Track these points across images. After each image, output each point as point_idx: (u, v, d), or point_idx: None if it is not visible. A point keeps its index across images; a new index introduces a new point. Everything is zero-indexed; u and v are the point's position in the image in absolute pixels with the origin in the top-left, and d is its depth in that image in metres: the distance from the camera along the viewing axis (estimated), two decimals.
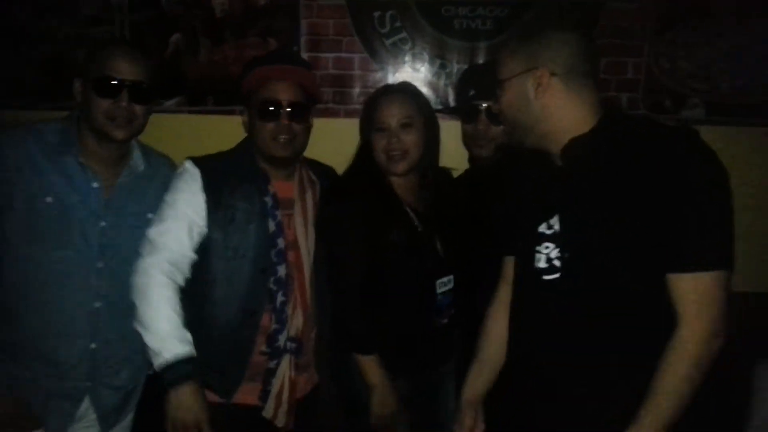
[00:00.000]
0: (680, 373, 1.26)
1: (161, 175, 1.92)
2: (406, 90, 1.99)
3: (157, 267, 1.72)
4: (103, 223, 1.77)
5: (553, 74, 1.39)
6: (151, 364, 1.95)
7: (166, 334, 1.68)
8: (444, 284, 1.92)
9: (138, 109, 1.75)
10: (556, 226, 1.45)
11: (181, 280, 1.76)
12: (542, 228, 1.48)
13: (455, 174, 2.13)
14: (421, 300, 1.90)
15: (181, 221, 1.76)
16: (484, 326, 1.70)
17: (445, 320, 1.94)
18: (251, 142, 1.90)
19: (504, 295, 1.66)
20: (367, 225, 1.81)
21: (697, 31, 2.69)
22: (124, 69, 1.72)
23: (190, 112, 2.81)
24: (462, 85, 2.13)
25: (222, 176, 1.81)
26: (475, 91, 1.99)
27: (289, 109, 1.83)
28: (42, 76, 2.80)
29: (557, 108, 1.41)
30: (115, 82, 1.71)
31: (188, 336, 1.70)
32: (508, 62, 1.46)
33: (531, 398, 1.51)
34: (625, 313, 1.34)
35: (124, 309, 1.78)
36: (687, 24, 2.69)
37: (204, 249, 1.79)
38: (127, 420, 1.97)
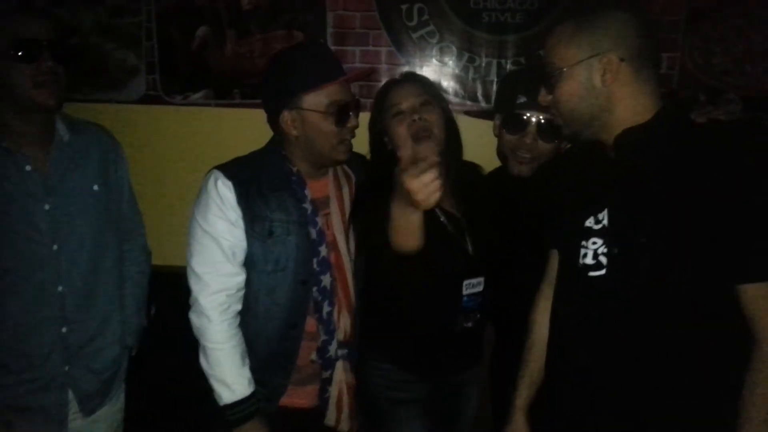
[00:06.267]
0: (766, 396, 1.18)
1: (95, 142, 1.85)
2: (418, 77, 1.94)
3: (211, 305, 1.67)
4: (47, 206, 1.70)
5: (621, 59, 1.28)
6: (132, 347, 1.98)
7: (225, 377, 1.67)
8: (472, 285, 1.85)
9: (62, 69, 1.67)
10: (605, 221, 1.38)
11: (239, 306, 1.73)
12: (589, 222, 1.41)
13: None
14: (444, 300, 1.84)
15: (220, 246, 1.67)
16: (531, 331, 1.65)
17: (470, 324, 1.87)
18: (281, 143, 1.78)
19: (548, 293, 1.60)
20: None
21: (731, 24, 2.62)
22: (39, 29, 1.63)
23: (217, 105, 2.80)
24: (510, 89, 1.92)
25: (254, 185, 1.71)
26: (526, 99, 1.81)
27: (354, 111, 1.76)
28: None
29: (625, 97, 1.31)
30: (35, 43, 1.61)
31: (248, 374, 1.70)
32: (567, 48, 1.34)
33: (569, 402, 1.45)
34: (673, 318, 1.27)
35: (89, 289, 1.76)
36: (721, 16, 2.62)
37: (245, 263, 1.73)
38: (114, 408, 1.95)
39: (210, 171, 1.74)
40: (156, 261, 2.44)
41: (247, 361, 1.72)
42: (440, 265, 1.81)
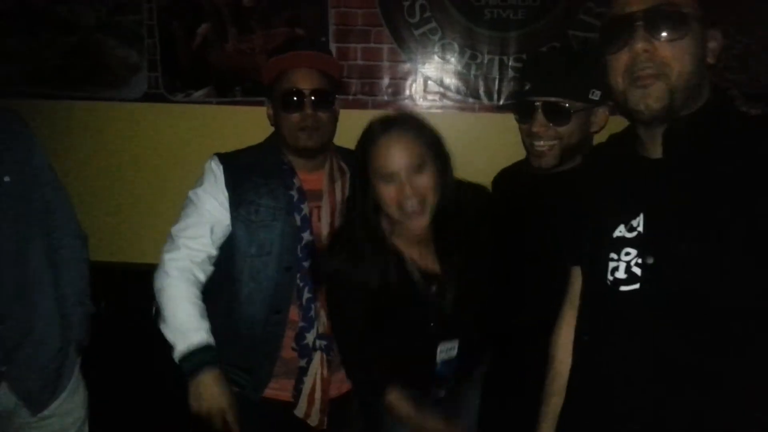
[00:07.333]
0: None
1: (4, 133, 1.77)
2: (409, 122, 1.62)
3: (175, 264, 1.74)
4: None
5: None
6: (81, 339, 1.95)
7: (181, 326, 1.69)
8: (446, 351, 1.71)
9: None
10: (640, 227, 1.19)
11: (201, 276, 1.77)
12: (620, 231, 1.23)
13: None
14: (416, 367, 1.71)
15: (202, 218, 1.77)
16: (553, 360, 1.47)
17: (443, 393, 1.76)
18: (277, 135, 1.89)
19: (571, 317, 1.42)
20: (360, 284, 1.62)
21: (733, 20, 2.59)
22: None
23: (218, 102, 2.80)
24: (519, 78, 1.83)
25: (246, 172, 1.80)
26: (531, 84, 1.66)
27: (312, 98, 1.78)
28: (67, 65, 2.80)
29: (705, 78, 1.14)
30: None
31: (205, 325, 1.71)
32: None
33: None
34: (715, 337, 1.11)
35: (19, 283, 1.73)
36: (723, 12, 2.60)
37: (229, 246, 1.79)
38: (71, 404, 1.90)
39: (210, 156, 1.86)
40: (158, 259, 2.42)
41: (206, 320, 1.72)
42: (411, 329, 1.70)
